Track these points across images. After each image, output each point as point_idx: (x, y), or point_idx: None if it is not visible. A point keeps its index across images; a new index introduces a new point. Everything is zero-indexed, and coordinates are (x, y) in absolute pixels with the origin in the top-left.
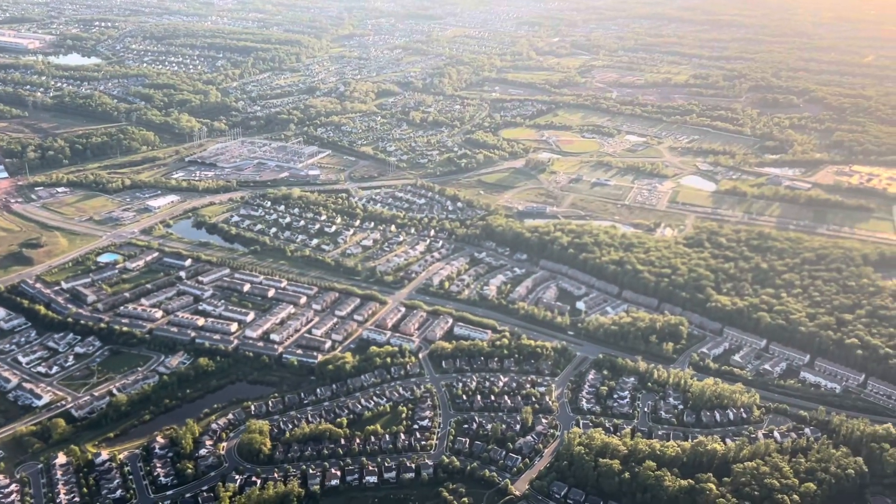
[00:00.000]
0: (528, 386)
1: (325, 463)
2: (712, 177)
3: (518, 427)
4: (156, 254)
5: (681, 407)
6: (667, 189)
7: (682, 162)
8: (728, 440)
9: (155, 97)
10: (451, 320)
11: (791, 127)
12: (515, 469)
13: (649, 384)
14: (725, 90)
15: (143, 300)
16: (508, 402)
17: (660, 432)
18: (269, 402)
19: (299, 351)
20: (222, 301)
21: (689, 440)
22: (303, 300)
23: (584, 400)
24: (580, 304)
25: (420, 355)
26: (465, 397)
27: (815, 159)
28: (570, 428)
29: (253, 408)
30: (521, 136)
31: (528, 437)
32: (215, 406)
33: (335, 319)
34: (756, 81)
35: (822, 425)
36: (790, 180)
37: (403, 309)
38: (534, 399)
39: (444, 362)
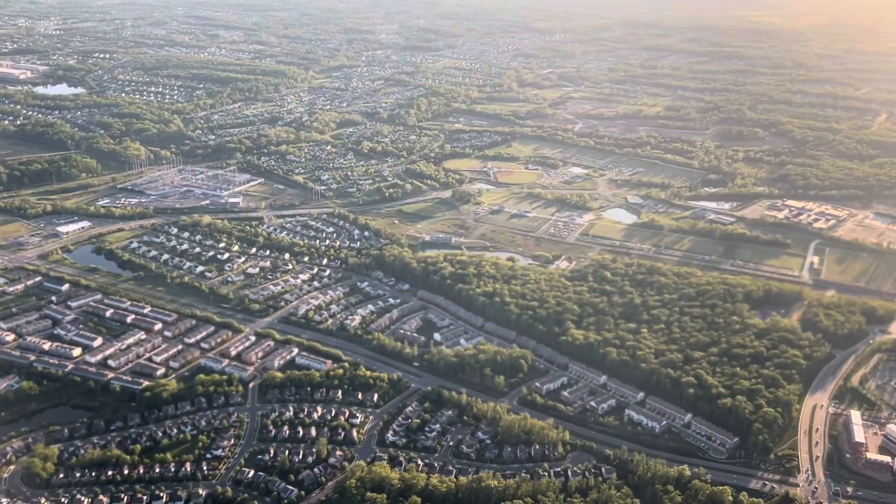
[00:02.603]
0: (341, 417)
1: (98, 489)
2: (637, 210)
3: (311, 459)
4: (38, 278)
5: (487, 441)
6: (584, 222)
7: (613, 195)
8: (512, 478)
9: (114, 126)
10: (295, 350)
11: (745, 159)
12: (287, 501)
13: (465, 418)
14: (694, 122)
15: (1, 323)
16: (314, 433)
17: (448, 468)
18: (74, 428)
19: (127, 377)
20: (79, 326)
21: (469, 475)
22: (157, 326)
23: (392, 432)
24: (437, 336)
25: (251, 384)
26: (272, 428)
27: (751, 193)
28: (363, 460)
29: (59, 432)
30: (464, 167)
31: (316, 470)
32: (23, 430)
33: (180, 346)
34: (729, 114)
35: (622, 465)
36: (716, 214)
37: (253, 338)
38: (341, 430)
39: (270, 392)
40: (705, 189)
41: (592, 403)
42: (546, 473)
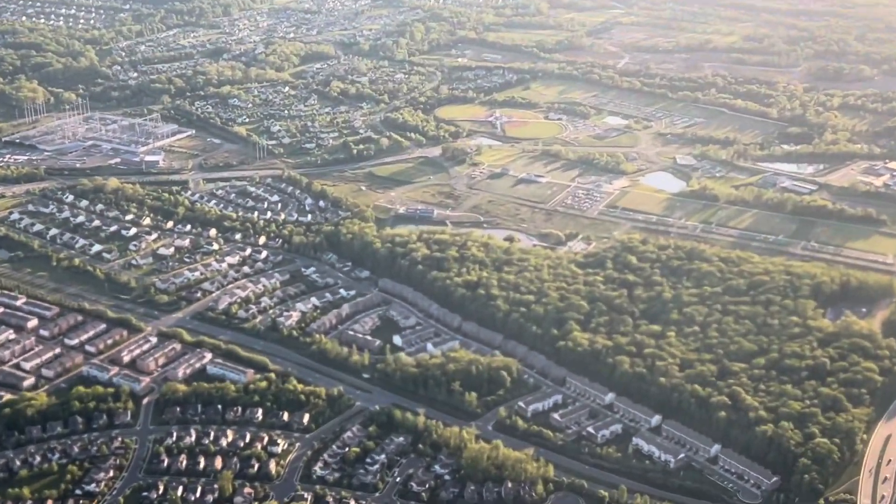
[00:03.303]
0: (258, 445)
1: None
2: (687, 174)
3: (211, 498)
4: None
5: (445, 478)
6: (614, 189)
7: (658, 154)
8: None
9: (6, 59)
10: (208, 356)
11: (841, 107)
12: None
13: (421, 446)
14: (779, 57)
15: None
16: (218, 464)
17: None
18: None
19: None
20: None
21: None
22: (32, 323)
23: (322, 465)
24: (397, 339)
25: (145, 400)
26: (166, 457)
27: (843, 151)
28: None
29: None
30: (463, 116)
31: None
32: None
33: (58, 350)
34: (827, 45)
35: None
36: (792, 180)
37: (155, 339)
38: (255, 462)
39: (168, 410)
40: (782, 146)
41: (591, 429)
42: None
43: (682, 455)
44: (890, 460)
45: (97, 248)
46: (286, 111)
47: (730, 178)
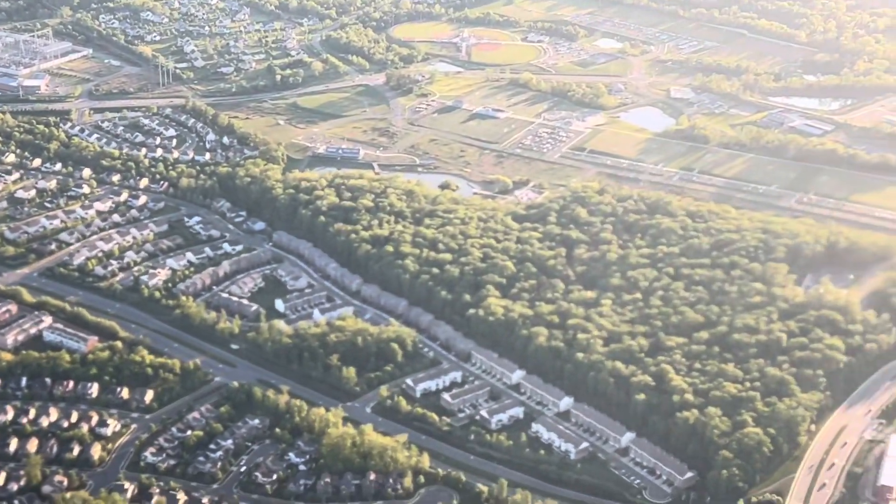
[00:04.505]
0: (84, 426)
1: None
2: (680, 110)
3: (16, 486)
4: None
5: (300, 468)
6: (586, 128)
7: (650, 85)
8: None
9: None
10: (47, 320)
11: (887, 31)
12: None
13: (279, 430)
14: None
15: None
16: (33, 448)
17: None
18: None
19: None
20: None
21: None
22: None
23: (156, 450)
24: (280, 304)
25: None
26: None
27: (876, 84)
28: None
29: None
30: (422, 37)
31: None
32: None
33: None
34: None
35: None
36: (804, 119)
37: None
38: (76, 445)
39: None
40: (804, 77)
41: (485, 413)
42: None
43: (584, 445)
44: (834, 462)
45: None
46: (207, 28)
47: (730, 115)
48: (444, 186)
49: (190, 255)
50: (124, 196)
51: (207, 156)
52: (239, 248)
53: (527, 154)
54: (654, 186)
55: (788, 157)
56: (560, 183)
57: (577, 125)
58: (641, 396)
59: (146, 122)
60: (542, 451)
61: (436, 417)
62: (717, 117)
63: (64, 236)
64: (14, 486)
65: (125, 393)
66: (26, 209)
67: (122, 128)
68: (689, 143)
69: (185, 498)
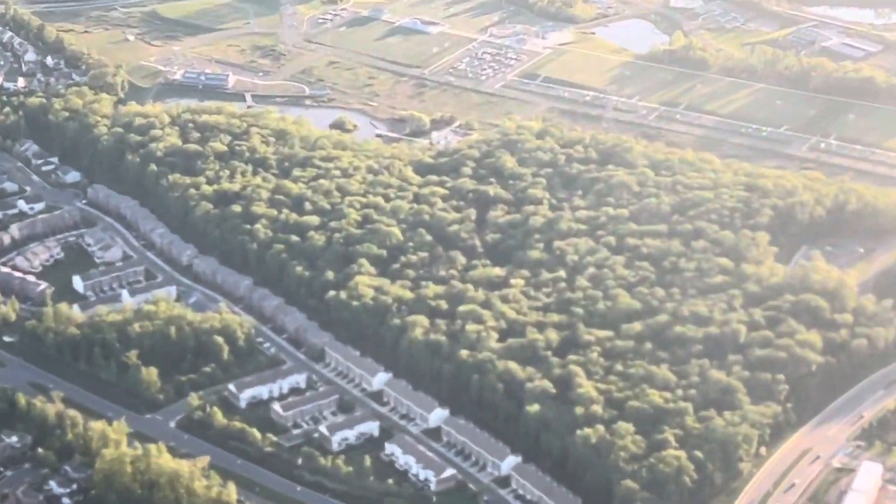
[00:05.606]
0: None
1: None
2: (678, 23)
3: None
4: None
5: (65, 501)
6: (544, 48)
7: None
8: None
9: None
10: None
11: None
12: None
13: (42, 450)
14: None
15: None
16: None
17: None
18: None
19: None
20: None
21: None
22: None
23: None
24: (78, 282)
25: None
26: None
27: None
28: None
29: None
30: None
31: None
32: None
33: None
34: None
35: None
36: (846, 36)
37: None
38: None
39: None
40: None
41: (324, 429)
42: None
43: (450, 472)
44: (788, 493)
45: None
46: None
47: (745, 31)
48: (336, 126)
49: None
50: None
51: (21, 82)
52: (39, 206)
53: (459, 83)
54: (620, 127)
55: (809, 89)
56: (495, 123)
57: (534, 44)
58: (535, 408)
59: None
60: (392, 480)
61: (258, 435)
62: (726, 34)
63: None
64: None
65: None
66: None
67: None
68: (679, 69)
69: None
